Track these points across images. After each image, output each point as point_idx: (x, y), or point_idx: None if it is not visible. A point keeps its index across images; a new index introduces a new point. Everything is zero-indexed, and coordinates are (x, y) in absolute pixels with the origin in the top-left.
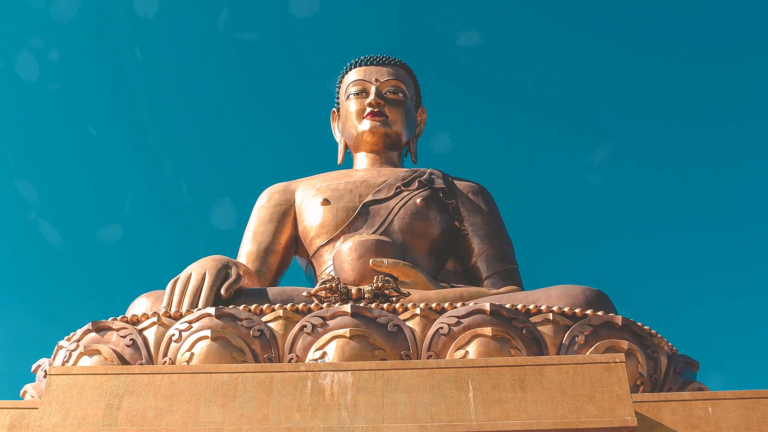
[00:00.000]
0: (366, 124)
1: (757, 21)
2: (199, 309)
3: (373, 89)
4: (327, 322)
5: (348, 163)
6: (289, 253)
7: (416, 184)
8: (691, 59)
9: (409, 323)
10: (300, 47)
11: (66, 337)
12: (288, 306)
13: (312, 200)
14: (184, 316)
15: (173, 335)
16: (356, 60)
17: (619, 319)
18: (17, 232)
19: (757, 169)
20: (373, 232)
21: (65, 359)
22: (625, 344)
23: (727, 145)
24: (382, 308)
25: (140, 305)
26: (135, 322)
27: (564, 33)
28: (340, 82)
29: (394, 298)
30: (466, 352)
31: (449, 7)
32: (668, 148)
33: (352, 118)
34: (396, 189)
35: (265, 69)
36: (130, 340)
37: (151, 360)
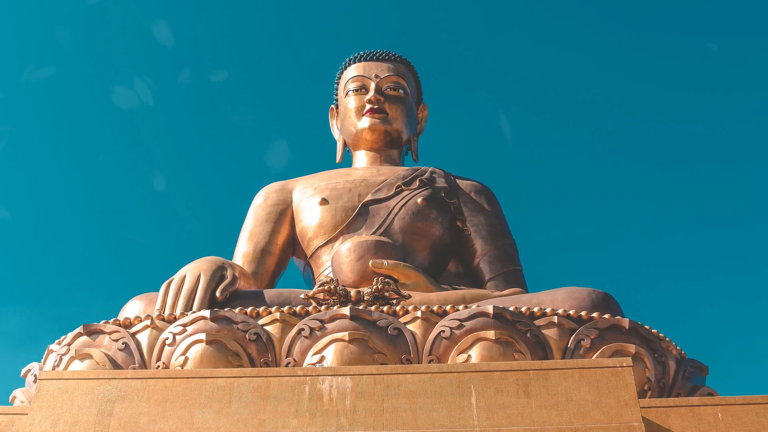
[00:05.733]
0: (365, 122)
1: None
2: (194, 312)
3: (372, 85)
4: (325, 325)
5: (347, 161)
6: (287, 254)
7: (417, 183)
8: (700, 55)
9: (409, 326)
10: (298, 42)
11: (57, 341)
12: (285, 309)
13: (310, 200)
14: (178, 319)
15: (167, 339)
16: (355, 55)
17: (626, 323)
18: (7, 232)
19: None
20: (373, 233)
21: (56, 363)
22: (632, 348)
23: (737, 144)
24: (382, 311)
25: (133, 308)
26: (128, 325)
27: (569, 29)
28: (339, 78)
29: (394, 301)
30: (469, 356)
31: (451, 1)
32: (677, 146)
33: (351, 116)
34: (396, 188)
35: (263, 64)
36: (123, 343)
37: (144, 364)
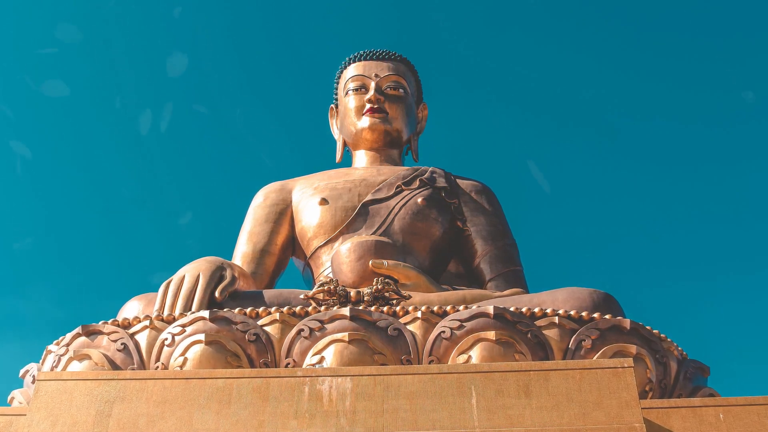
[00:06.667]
0: (365, 121)
1: None
2: (193, 312)
3: (372, 85)
4: (325, 325)
5: (347, 161)
6: (286, 255)
7: (417, 182)
8: (700, 55)
9: (409, 327)
10: (298, 41)
11: (55, 342)
12: (285, 309)
13: (309, 200)
14: (177, 319)
15: (166, 339)
16: (355, 54)
17: (627, 323)
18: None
19: None
20: (373, 233)
21: (54, 364)
22: (633, 349)
23: (737, 144)
24: (382, 311)
25: (132, 308)
26: (126, 325)
27: (569, 29)
28: (339, 77)
29: (394, 301)
30: (469, 356)
31: (451, 1)
32: (677, 145)
33: (351, 115)
34: (396, 188)
35: (262, 64)
36: (122, 344)
37: (143, 365)
